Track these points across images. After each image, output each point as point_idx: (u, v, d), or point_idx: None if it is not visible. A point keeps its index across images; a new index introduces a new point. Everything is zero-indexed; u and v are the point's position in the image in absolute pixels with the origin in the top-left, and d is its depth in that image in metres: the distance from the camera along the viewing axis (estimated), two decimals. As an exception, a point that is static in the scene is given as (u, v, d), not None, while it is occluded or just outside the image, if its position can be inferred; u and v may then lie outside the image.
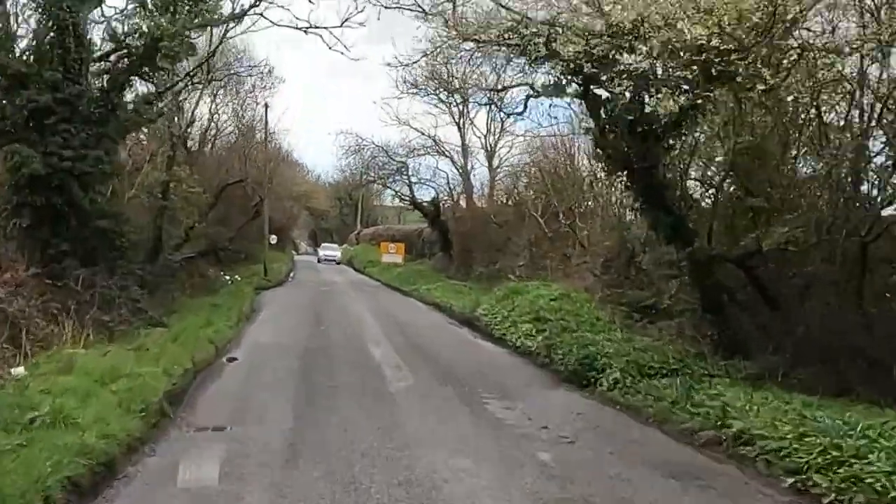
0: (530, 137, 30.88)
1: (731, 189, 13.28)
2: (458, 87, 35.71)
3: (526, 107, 25.94)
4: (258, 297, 26.11)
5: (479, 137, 40.47)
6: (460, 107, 39.19)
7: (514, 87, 32.78)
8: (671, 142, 11.64)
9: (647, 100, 10.97)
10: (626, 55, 10.19)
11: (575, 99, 14.42)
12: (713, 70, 9.61)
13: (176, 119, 22.58)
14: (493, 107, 35.91)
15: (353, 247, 61.62)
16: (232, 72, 26.24)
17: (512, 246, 27.57)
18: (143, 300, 15.68)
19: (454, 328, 19.53)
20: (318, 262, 56.18)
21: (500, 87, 33.62)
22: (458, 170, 40.50)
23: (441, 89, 35.55)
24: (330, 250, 58.94)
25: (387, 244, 45.60)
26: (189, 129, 26.43)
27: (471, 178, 40.57)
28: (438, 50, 24.18)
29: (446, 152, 39.73)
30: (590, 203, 23.47)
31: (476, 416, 9.29)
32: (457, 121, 39.92)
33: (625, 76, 10.03)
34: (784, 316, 11.97)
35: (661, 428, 8.92)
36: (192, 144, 31.61)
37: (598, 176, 23.09)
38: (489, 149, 39.95)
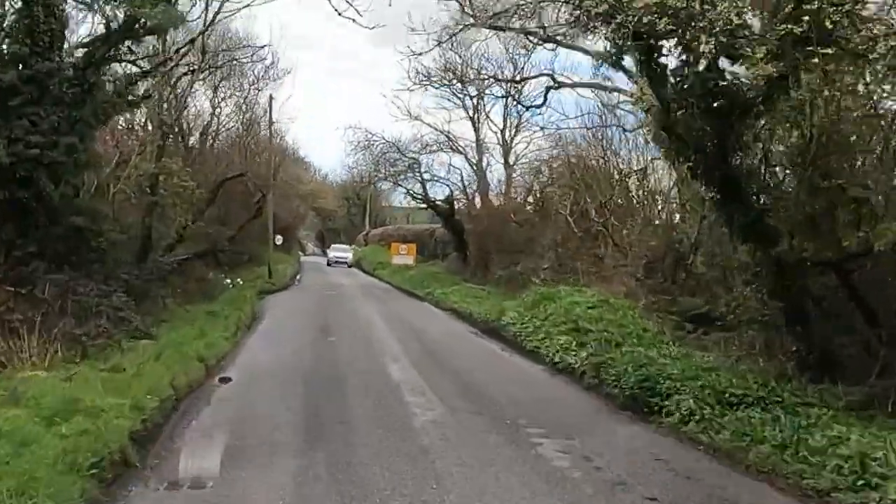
0: (552, 130, 28.79)
1: (813, 179, 11.25)
2: (472, 78, 33.92)
3: (546, 99, 23.93)
4: (261, 301, 24.18)
5: (495, 132, 38.45)
6: (475, 100, 37.36)
7: (533, 77, 30.72)
8: (758, 120, 9.53)
9: (729, 67, 8.89)
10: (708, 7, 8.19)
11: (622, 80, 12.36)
12: (829, 22, 7.55)
13: (167, 104, 20.43)
14: (510, 100, 34.19)
15: (362, 248, 59.30)
16: (231, 58, 24.20)
17: (534, 246, 25.47)
18: (127, 308, 13.68)
19: (477, 339, 17.50)
20: (328, 264, 52.20)
21: (518, 77, 31.90)
22: (472, 166, 38.54)
23: (456, 80, 33.67)
24: (340, 251, 54.91)
25: (398, 245, 43.51)
26: (181, 117, 24.36)
27: (486, 174, 38.62)
28: (456, 34, 22.25)
29: (460, 148, 37.81)
30: (620, 200, 21.38)
31: (527, 465, 7.23)
32: (471, 115, 38.03)
33: (713, 33, 7.95)
34: (889, 329, 9.96)
35: (773, 483, 6.85)
36: (193, 142, 29.85)
37: (634, 168, 21.09)
38: (506, 144, 37.93)
